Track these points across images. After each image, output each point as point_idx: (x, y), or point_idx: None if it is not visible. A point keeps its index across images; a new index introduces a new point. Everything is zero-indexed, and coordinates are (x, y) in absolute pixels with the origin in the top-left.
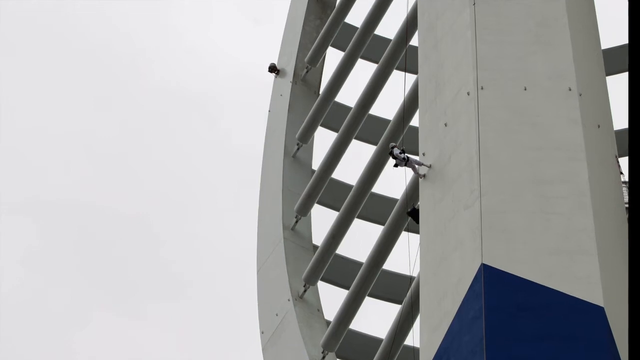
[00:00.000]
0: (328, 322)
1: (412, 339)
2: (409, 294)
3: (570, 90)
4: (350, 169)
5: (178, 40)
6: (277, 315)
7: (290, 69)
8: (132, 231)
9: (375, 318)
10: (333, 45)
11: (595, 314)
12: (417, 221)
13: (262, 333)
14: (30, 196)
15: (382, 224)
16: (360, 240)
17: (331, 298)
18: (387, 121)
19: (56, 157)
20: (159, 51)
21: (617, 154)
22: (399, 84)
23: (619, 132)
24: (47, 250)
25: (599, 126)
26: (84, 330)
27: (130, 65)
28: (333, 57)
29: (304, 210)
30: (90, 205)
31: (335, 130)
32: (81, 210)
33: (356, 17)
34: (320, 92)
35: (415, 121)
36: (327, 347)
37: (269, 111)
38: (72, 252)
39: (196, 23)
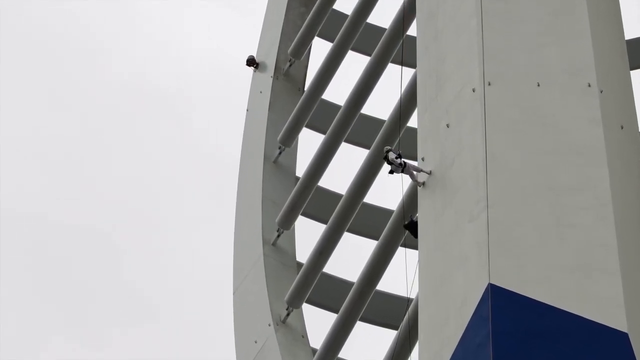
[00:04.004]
0: (314, 350)
1: None
2: (406, 318)
3: (589, 86)
4: (339, 175)
5: (142, 30)
6: (256, 342)
7: (270, 62)
8: (91, 247)
9: (368, 345)
10: (320, 36)
11: (617, 341)
12: (416, 235)
13: None
14: None
15: (376, 238)
16: (350, 257)
17: (318, 323)
18: (381, 121)
19: (4, 163)
20: (120, 42)
21: None
22: (395, 80)
23: None
24: None
25: (622, 127)
26: (37, 359)
27: (88, 59)
28: (320, 49)
29: (287, 222)
30: (43, 217)
31: (323, 132)
32: (33, 224)
33: (346, 3)
34: (305, 88)
35: (413, 122)
36: None
37: (247, 110)
38: (22, 271)
39: (163, 9)
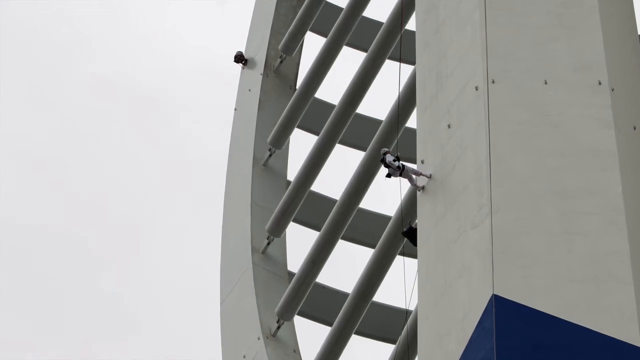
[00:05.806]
0: None
1: None
2: (404, 331)
3: (599, 84)
4: (333, 179)
5: (127, 25)
6: (244, 356)
7: (260, 58)
8: (69, 255)
9: None
10: (312, 30)
11: (630, 355)
12: (415, 243)
13: None
14: None
15: (373, 246)
16: (345, 267)
17: (310, 336)
18: (378, 122)
19: None
20: (105, 38)
21: None
22: (392, 77)
23: None
24: None
25: (634, 128)
26: None
27: (69, 55)
28: (312, 45)
29: (278, 229)
30: (16, 223)
31: (316, 133)
32: (5, 230)
33: None
34: (297, 86)
35: (412, 122)
36: None
37: (235, 109)
38: None
39: (149, 4)
